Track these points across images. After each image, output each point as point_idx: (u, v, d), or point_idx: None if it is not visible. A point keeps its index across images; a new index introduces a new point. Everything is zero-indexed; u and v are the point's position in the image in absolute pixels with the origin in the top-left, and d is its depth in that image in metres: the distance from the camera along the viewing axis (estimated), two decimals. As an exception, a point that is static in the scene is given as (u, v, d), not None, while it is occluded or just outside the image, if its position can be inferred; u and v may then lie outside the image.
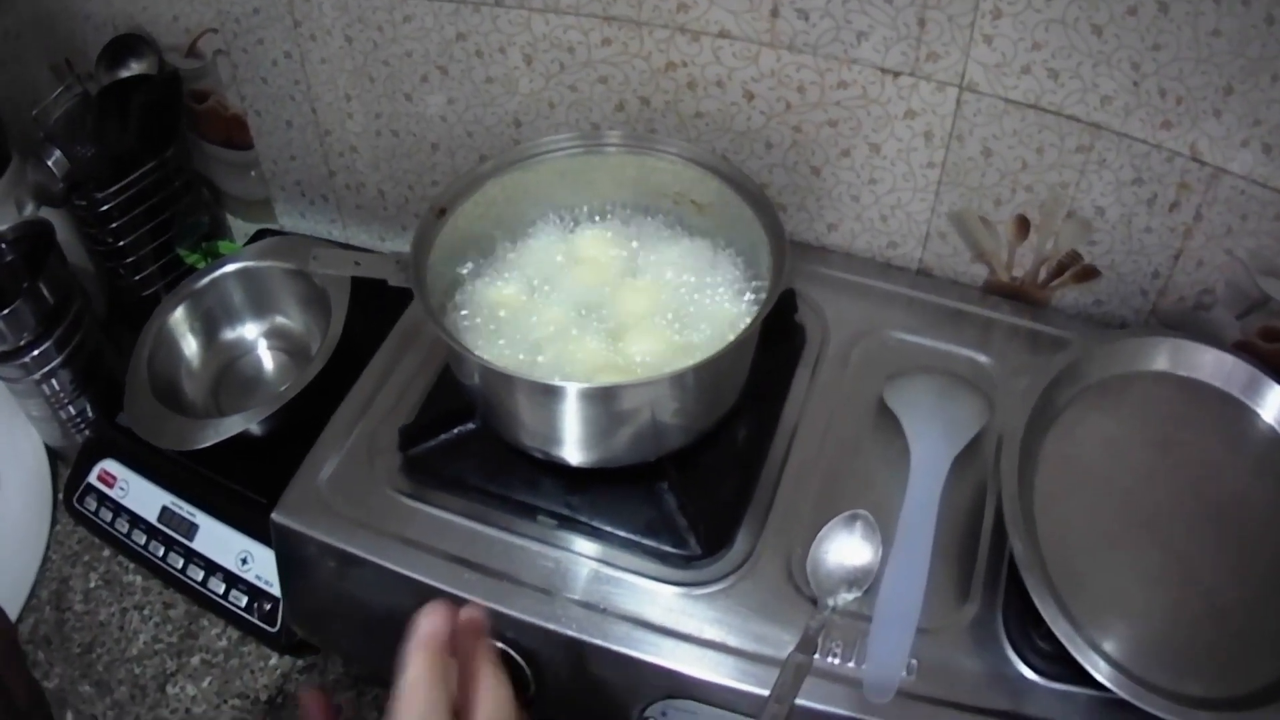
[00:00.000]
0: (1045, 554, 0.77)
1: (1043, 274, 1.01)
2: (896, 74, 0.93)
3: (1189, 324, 0.96)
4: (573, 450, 0.83)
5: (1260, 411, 0.88)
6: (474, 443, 0.90)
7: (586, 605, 0.81)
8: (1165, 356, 0.90)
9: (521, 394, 0.81)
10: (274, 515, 0.89)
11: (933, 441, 0.88)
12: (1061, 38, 0.85)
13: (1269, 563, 0.79)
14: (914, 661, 0.77)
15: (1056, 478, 0.83)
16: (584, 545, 0.85)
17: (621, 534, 0.84)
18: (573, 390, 0.77)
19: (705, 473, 0.87)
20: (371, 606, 0.89)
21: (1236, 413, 0.88)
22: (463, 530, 0.86)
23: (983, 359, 0.96)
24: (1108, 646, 0.73)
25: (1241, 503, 0.83)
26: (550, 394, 0.79)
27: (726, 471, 0.88)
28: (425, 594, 0.83)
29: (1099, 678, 0.70)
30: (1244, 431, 0.87)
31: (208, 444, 1.02)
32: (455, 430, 0.91)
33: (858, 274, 1.05)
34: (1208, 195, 0.88)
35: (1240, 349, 0.91)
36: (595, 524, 0.85)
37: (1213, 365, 0.89)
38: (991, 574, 0.82)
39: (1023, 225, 0.98)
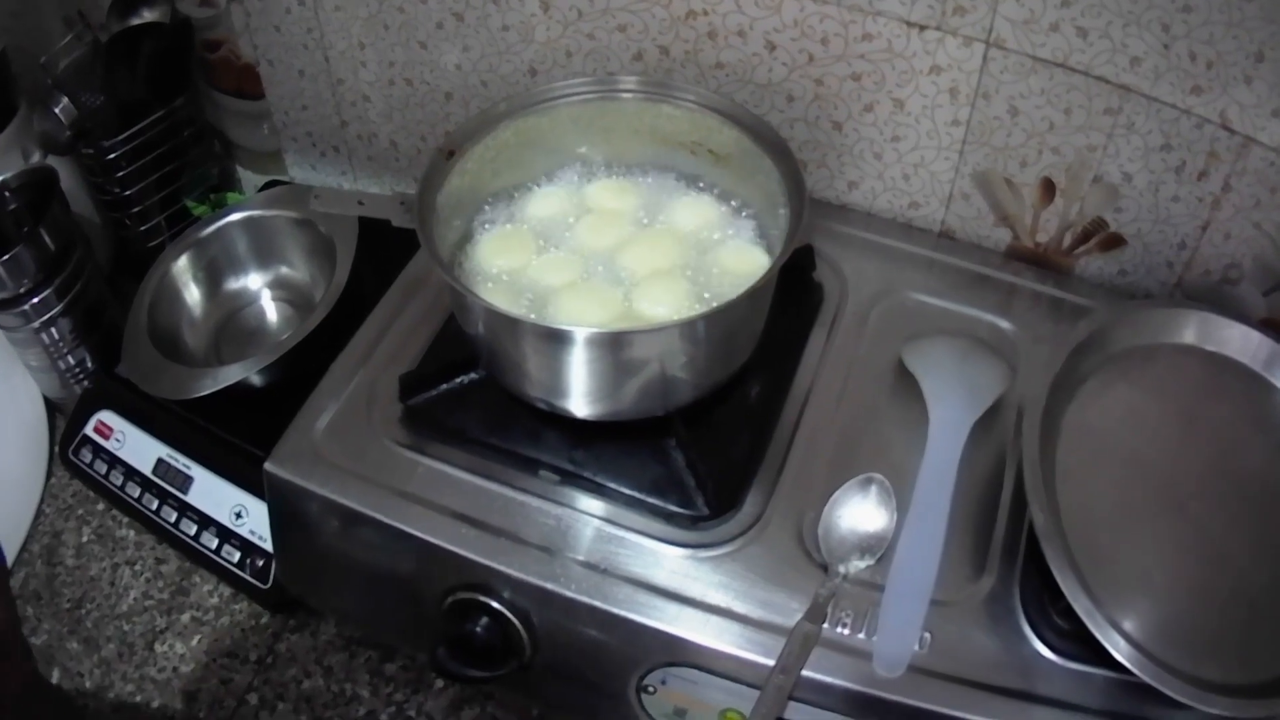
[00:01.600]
0: (1066, 526, 0.72)
1: (1067, 240, 0.96)
2: (922, 27, 0.88)
3: (1214, 298, 0.91)
4: (579, 402, 0.78)
5: (1285, 389, 0.83)
6: (476, 393, 0.85)
7: (588, 565, 0.76)
8: (1191, 329, 0.85)
9: (527, 341, 0.75)
10: (267, 465, 0.85)
11: (952, 405, 0.83)
12: None
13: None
14: (927, 635, 0.73)
15: (1078, 449, 0.78)
16: (587, 503, 0.80)
17: (626, 491, 0.80)
18: (580, 335, 0.71)
19: (715, 430, 0.82)
20: (365, 563, 0.85)
21: (1262, 389, 0.83)
22: (462, 484, 0.81)
23: (1004, 325, 0.91)
24: (1127, 625, 0.68)
25: (1265, 481, 0.78)
26: (556, 340, 0.73)
27: (737, 430, 0.83)
28: (422, 551, 0.79)
29: (1118, 657, 0.66)
30: (1269, 409, 0.83)
31: (205, 393, 0.98)
32: (457, 380, 0.86)
33: (879, 234, 1.00)
34: (1237, 165, 0.84)
35: (1266, 326, 0.86)
36: (599, 480, 0.80)
37: (1239, 340, 0.84)
38: (1009, 546, 0.77)
39: (1048, 189, 0.94)
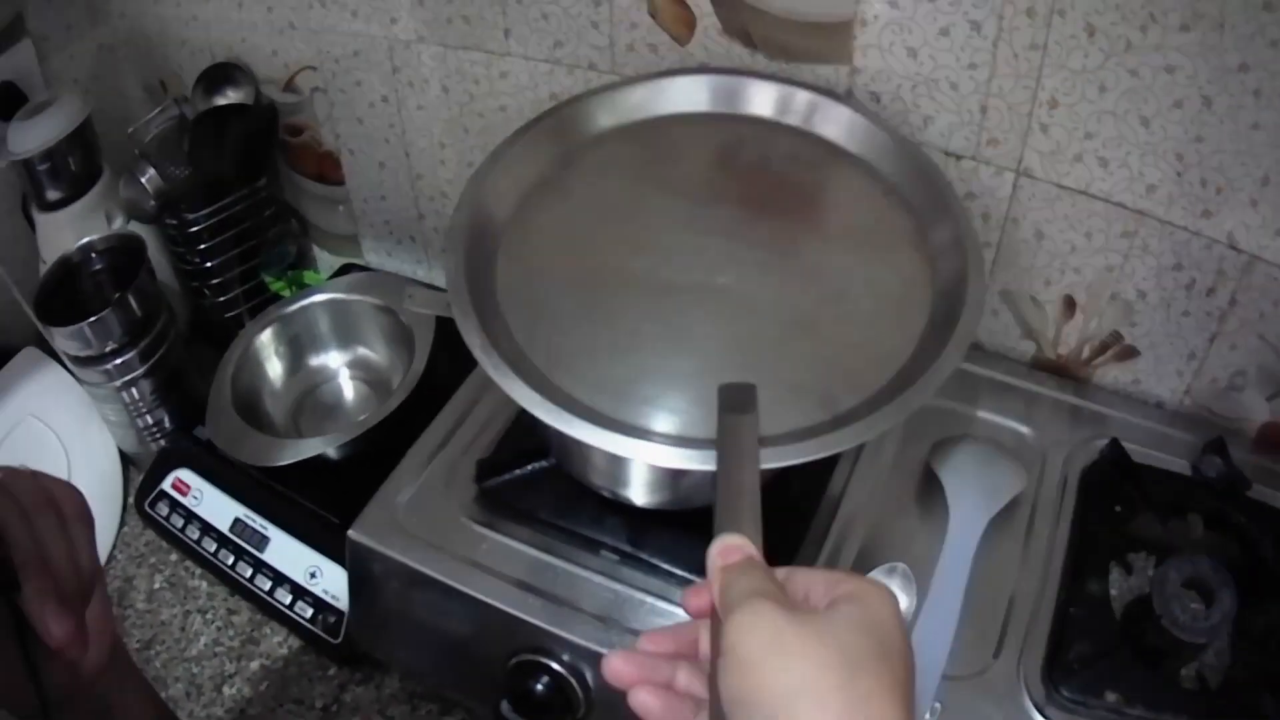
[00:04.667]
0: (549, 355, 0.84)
1: (1086, 352, 1.11)
2: (959, 157, 1.04)
3: (1222, 404, 1.06)
4: (639, 493, 0.94)
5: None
6: (546, 479, 1.01)
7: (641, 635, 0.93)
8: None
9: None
10: (350, 533, 1.02)
11: (971, 506, 0.99)
12: (1112, 128, 0.96)
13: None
14: (937, 705, 0.86)
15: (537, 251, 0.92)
16: (643, 580, 0.95)
17: (678, 572, 0.95)
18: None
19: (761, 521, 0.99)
20: (436, 625, 1.01)
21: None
22: (530, 558, 0.98)
23: (1025, 430, 1.07)
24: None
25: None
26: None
27: (780, 521, 0.94)
28: (491, 615, 0.95)
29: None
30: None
31: (286, 462, 1.14)
32: (529, 466, 1.02)
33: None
34: (1243, 282, 0.98)
35: (1270, 430, 1.02)
36: (654, 561, 0.96)
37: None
38: (1018, 631, 0.92)
39: (1069, 305, 1.09)
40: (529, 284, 0.91)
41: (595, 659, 0.93)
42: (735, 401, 0.78)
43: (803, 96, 1.03)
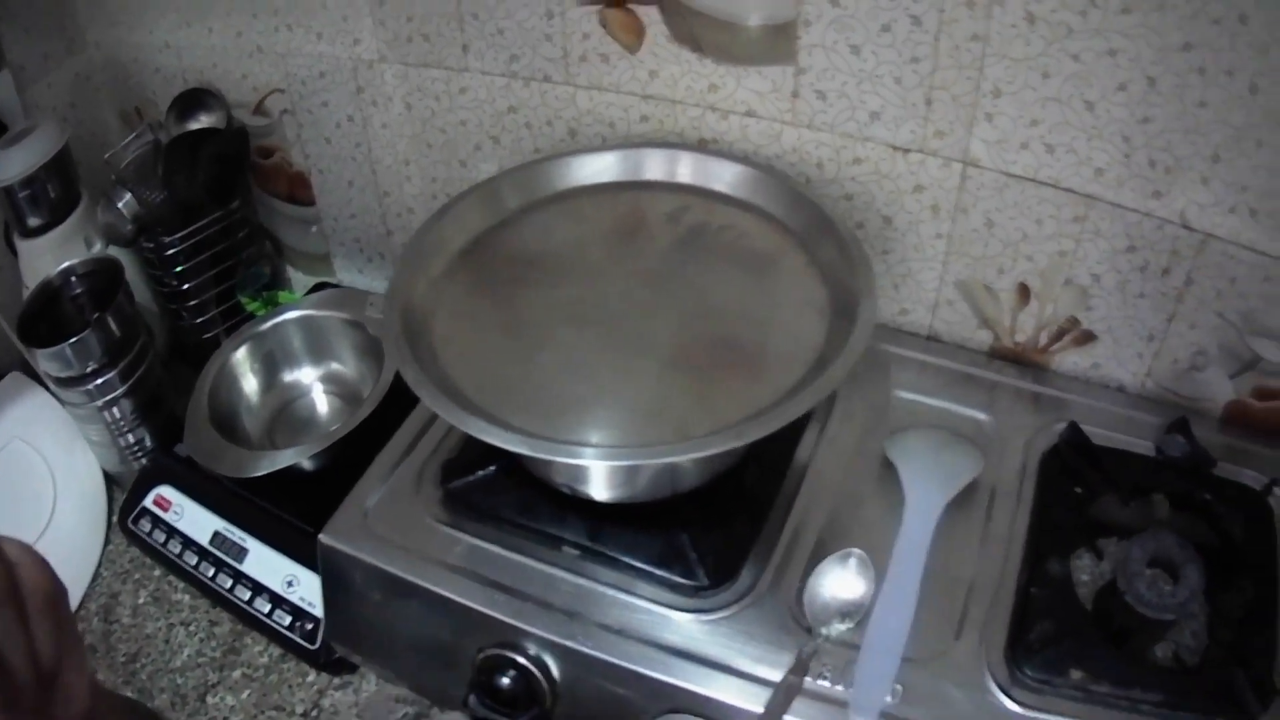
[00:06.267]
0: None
1: (1043, 339, 1.14)
2: (906, 151, 1.08)
3: (1184, 384, 1.08)
4: (597, 488, 0.99)
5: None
6: (508, 479, 1.06)
7: (604, 627, 0.96)
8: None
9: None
10: (321, 536, 1.06)
11: (926, 489, 1.02)
12: (1057, 114, 0.99)
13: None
14: (899, 687, 0.89)
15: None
16: (604, 573, 0.99)
17: (637, 565, 0.99)
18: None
19: (717, 511, 1.02)
20: (406, 624, 1.05)
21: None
22: (496, 557, 1.02)
23: (984, 418, 1.10)
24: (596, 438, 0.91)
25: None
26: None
27: (737, 511, 1.03)
28: (458, 612, 0.99)
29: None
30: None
31: (262, 473, 1.18)
32: (492, 467, 1.07)
33: (871, 339, 1.17)
34: (1197, 260, 1.00)
35: (1234, 408, 1.04)
36: (614, 555, 1.00)
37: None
38: (978, 613, 0.94)
39: (1024, 293, 1.12)
40: (462, 332, 1.03)
41: (561, 652, 0.96)
42: None
43: (690, 156, 1.15)
